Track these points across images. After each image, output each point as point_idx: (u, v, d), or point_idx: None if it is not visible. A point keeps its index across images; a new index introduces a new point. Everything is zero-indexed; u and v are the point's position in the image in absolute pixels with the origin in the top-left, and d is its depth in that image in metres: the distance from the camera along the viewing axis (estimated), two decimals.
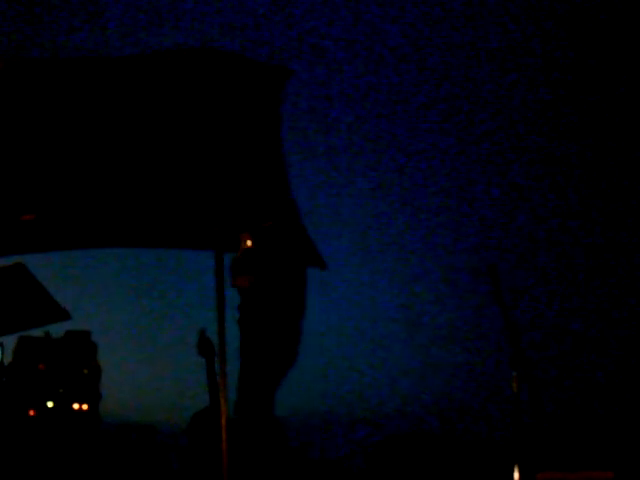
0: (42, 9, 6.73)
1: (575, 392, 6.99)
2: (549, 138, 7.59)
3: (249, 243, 3.76)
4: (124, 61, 3.77)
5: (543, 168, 7.57)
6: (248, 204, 4.24)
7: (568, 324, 7.40)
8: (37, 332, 5.40)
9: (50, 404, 5.09)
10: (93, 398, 5.36)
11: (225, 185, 3.92)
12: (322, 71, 7.39)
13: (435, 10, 7.53)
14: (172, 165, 4.12)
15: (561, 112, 7.59)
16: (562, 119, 7.60)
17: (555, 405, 6.70)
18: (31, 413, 5.05)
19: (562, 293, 7.50)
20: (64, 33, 6.75)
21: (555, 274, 7.54)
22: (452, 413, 6.83)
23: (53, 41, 6.88)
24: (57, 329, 5.16)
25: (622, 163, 7.50)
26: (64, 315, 5.00)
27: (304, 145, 7.35)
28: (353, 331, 6.37)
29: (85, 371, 5.21)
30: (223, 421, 3.58)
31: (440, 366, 7.39)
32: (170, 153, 4.07)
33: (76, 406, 5.20)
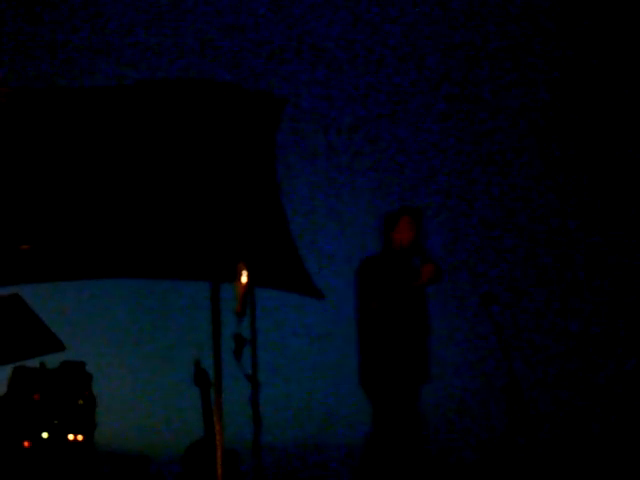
0: (42, 9, 6.73)
1: (575, 393, 7.02)
2: (549, 138, 7.61)
3: (244, 277, 3.80)
4: (120, 90, 3.79)
5: (543, 168, 7.60)
6: (245, 235, 4.27)
7: (568, 324, 7.43)
8: (32, 363, 5.44)
9: (45, 435, 5.11)
10: (88, 428, 5.37)
11: (221, 216, 3.94)
12: (322, 71, 7.40)
13: (435, 10, 7.55)
14: (167, 196, 4.14)
15: (561, 112, 7.62)
16: (562, 119, 7.62)
17: (555, 408, 6.73)
18: (26, 444, 5.06)
19: (562, 293, 7.53)
20: (64, 33, 6.75)
21: (555, 274, 7.57)
22: (452, 413, 6.86)
23: (53, 41, 6.89)
24: (52, 360, 5.24)
25: (622, 163, 7.52)
26: (59, 346, 5.02)
27: (304, 145, 7.36)
28: (353, 331, 6.40)
29: (80, 402, 5.22)
30: (219, 453, 3.61)
31: (440, 366, 7.40)
32: (165, 183, 4.10)
33: (71, 437, 5.22)
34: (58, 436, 5.46)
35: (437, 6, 7.49)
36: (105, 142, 3.91)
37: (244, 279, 3.80)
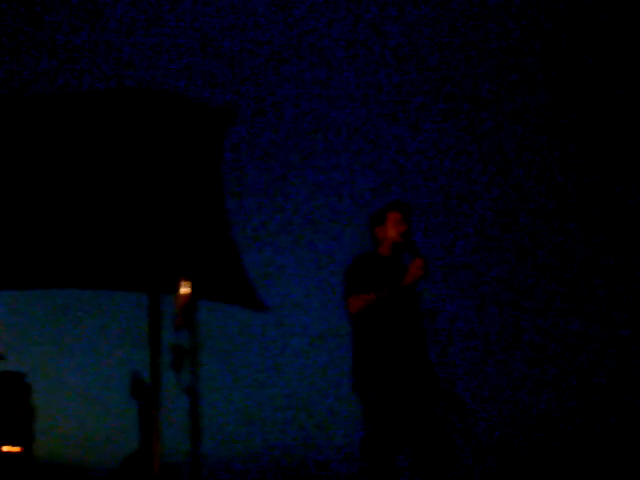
0: (42, 9, 6.73)
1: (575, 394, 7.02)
2: (549, 138, 7.61)
3: (187, 288, 3.77)
4: (60, 100, 3.76)
5: (543, 168, 7.60)
6: (187, 247, 4.23)
7: (568, 324, 7.43)
8: None
9: None
10: (26, 439, 5.31)
11: (161, 227, 3.91)
12: (322, 71, 7.40)
13: (435, 10, 7.56)
14: (107, 206, 4.10)
15: (561, 112, 7.62)
16: (562, 119, 7.62)
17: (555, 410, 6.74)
18: None
19: (562, 293, 7.52)
20: (64, 33, 6.75)
21: (555, 274, 7.57)
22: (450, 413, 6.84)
23: (53, 41, 6.89)
24: None
25: (622, 163, 7.52)
26: None
27: (304, 145, 7.36)
28: (304, 341, 6.45)
29: (18, 413, 5.16)
30: (155, 466, 3.59)
31: (440, 366, 7.39)
32: (103, 193, 4.06)
33: (7, 448, 5.16)
34: None
35: (437, 6, 7.49)
36: (45, 151, 3.87)
37: (184, 291, 3.77)
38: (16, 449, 5.20)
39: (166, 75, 7.38)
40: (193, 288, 3.71)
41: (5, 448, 5.27)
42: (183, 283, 3.73)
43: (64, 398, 6.96)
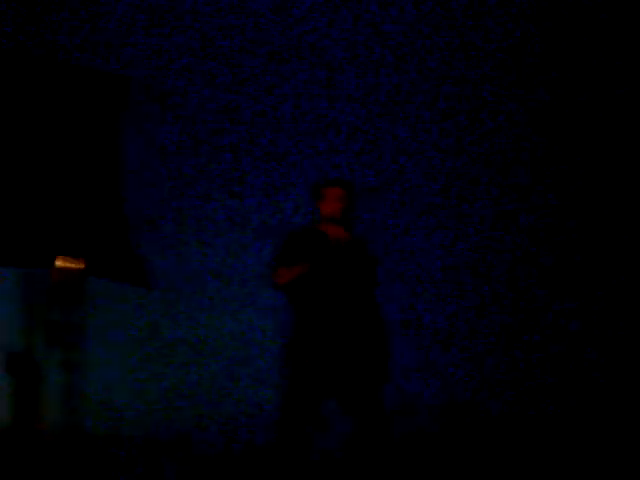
0: (42, 9, 6.73)
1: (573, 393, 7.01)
2: (549, 138, 7.61)
3: (78, 264, 3.73)
4: None
5: (543, 168, 7.60)
6: (73, 221, 4.14)
7: (568, 324, 7.42)
8: None
9: None
10: None
11: (43, 200, 3.84)
12: (322, 71, 7.38)
13: (435, 10, 7.55)
14: None
15: (561, 112, 7.61)
16: (562, 119, 7.61)
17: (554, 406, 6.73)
18: None
19: (562, 293, 7.52)
20: (64, 33, 6.74)
21: (555, 274, 7.56)
22: (451, 414, 6.85)
23: (53, 41, 6.88)
24: None
25: (622, 163, 7.51)
26: None
27: (304, 145, 7.36)
28: (187, 322, 6.45)
29: None
30: (35, 440, 3.57)
31: (440, 366, 7.39)
32: None
33: None
34: None
35: (437, 6, 7.48)
36: None
37: (63, 265, 3.72)
38: None
39: (165, 75, 7.37)
40: (76, 264, 3.66)
41: None
42: (60, 258, 3.67)
43: None
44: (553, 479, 5.42)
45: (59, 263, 3.65)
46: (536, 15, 7.39)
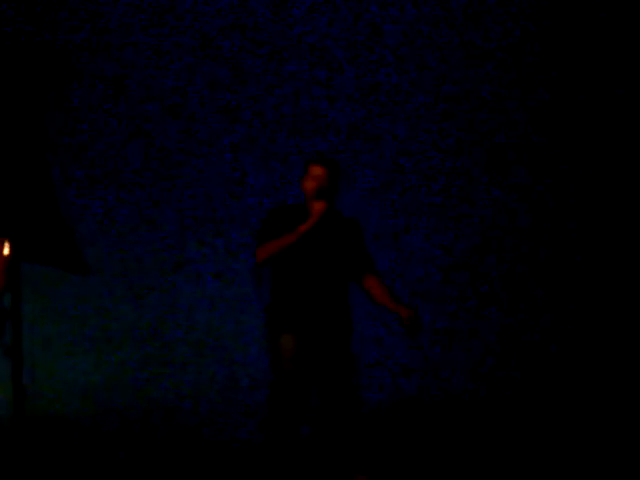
0: (42, 9, 6.73)
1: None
2: (549, 138, 7.60)
3: (6, 250, 3.70)
4: None
5: (543, 168, 7.60)
6: (4, 204, 4.09)
7: (568, 324, 7.42)
8: None
9: None
10: None
11: None
12: (322, 71, 7.38)
13: (435, 10, 7.55)
14: None
15: (561, 112, 7.61)
16: (562, 119, 7.61)
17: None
18: None
19: (562, 293, 7.52)
20: (64, 33, 6.75)
21: (555, 274, 7.56)
22: (451, 414, 6.85)
23: (53, 41, 6.88)
24: None
25: (622, 163, 7.51)
26: None
27: (304, 145, 7.36)
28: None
29: None
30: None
31: (440, 366, 7.39)
32: None
33: None
34: None
35: (437, 6, 7.48)
36: None
37: (5, 252, 3.68)
38: None
39: (165, 75, 7.37)
40: (14, 248, 3.62)
41: None
42: (3, 243, 3.64)
43: None
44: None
45: (5, 249, 3.63)
46: (536, 15, 7.39)
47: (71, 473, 5.11)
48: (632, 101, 7.32)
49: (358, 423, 4.71)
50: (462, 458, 5.74)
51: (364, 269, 4.97)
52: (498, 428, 6.40)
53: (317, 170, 4.90)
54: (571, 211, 7.45)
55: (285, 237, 4.80)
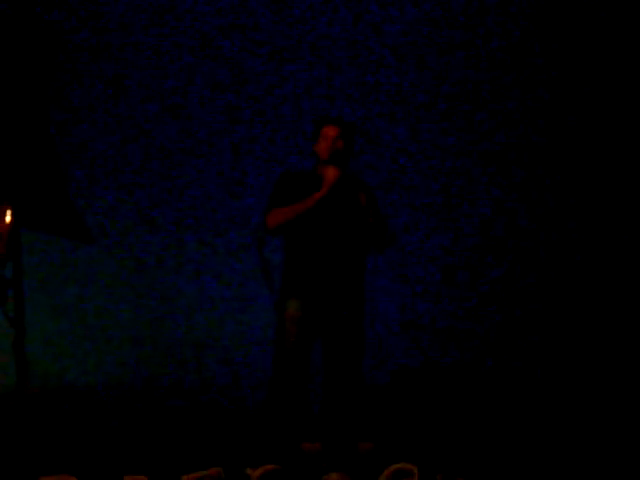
0: (42, 9, 6.73)
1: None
2: (549, 138, 7.61)
3: (8, 217, 3.67)
4: None
5: (543, 168, 7.60)
6: (6, 172, 4.07)
7: (568, 324, 7.42)
8: None
9: None
10: None
11: None
12: (322, 71, 7.39)
13: (435, 10, 7.55)
14: None
15: (561, 112, 7.61)
16: (562, 119, 7.61)
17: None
18: None
19: (562, 293, 7.52)
20: (64, 33, 6.75)
21: (555, 274, 7.56)
22: (451, 414, 6.85)
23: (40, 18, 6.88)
24: None
25: (622, 163, 7.51)
26: None
27: (304, 145, 7.36)
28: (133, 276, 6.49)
29: None
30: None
31: (440, 365, 7.39)
32: None
33: None
34: None
35: (437, 6, 7.49)
36: None
37: (7, 219, 3.66)
38: None
39: (165, 75, 7.37)
40: (15, 216, 3.61)
41: None
42: (6, 211, 3.62)
43: None
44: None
45: (7, 217, 3.62)
46: (536, 15, 7.39)
47: (67, 449, 5.11)
48: (632, 101, 7.32)
49: (359, 394, 4.66)
50: (462, 458, 5.74)
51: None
52: (498, 428, 6.40)
53: (331, 131, 4.73)
54: (571, 211, 7.45)
55: (299, 204, 4.68)
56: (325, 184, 4.65)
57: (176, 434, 6.09)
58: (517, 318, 7.42)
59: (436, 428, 5.77)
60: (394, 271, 7.35)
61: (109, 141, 7.22)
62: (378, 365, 6.79)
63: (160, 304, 7.13)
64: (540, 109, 7.51)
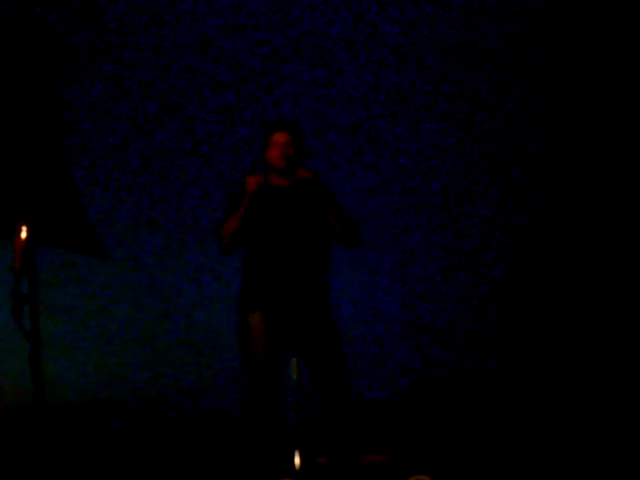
0: (42, 9, 6.73)
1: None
2: (549, 138, 7.60)
3: (23, 234, 3.68)
4: None
5: (543, 168, 7.59)
6: (22, 189, 4.07)
7: (568, 324, 7.42)
8: None
9: None
10: None
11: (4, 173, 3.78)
12: (322, 71, 7.38)
13: (435, 10, 7.55)
14: None
15: (561, 112, 7.60)
16: (562, 119, 7.61)
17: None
18: None
19: (562, 293, 7.52)
20: (64, 33, 6.75)
21: (555, 274, 7.56)
22: (450, 414, 6.85)
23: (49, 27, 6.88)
24: None
25: (623, 163, 7.51)
26: None
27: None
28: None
29: None
30: None
31: (440, 366, 7.40)
32: None
33: None
34: None
35: (437, 6, 7.48)
36: None
37: (23, 235, 3.67)
38: None
39: (165, 75, 7.37)
40: (31, 232, 3.62)
41: None
42: (22, 227, 3.63)
43: None
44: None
45: (23, 232, 3.62)
46: (536, 15, 7.39)
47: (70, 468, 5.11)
48: (632, 101, 7.32)
49: (347, 400, 4.61)
50: (461, 457, 5.74)
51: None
52: (498, 428, 6.40)
53: (281, 137, 4.65)
54: (571, 211, 7.45)
55: (230, 218, 4.64)
56: (246, 194, 4.59)
57: (180, 444, 6.09)
58: (517, 318, 7.42)
59: (452, 438, 5.76)
60: (394, 271, 7.35)
61: (109, 141, 7.22)
62: (380, 366, 6.78)
63: (160, 304, 7.13)
64: (540, 109, 7.51)
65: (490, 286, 7.47)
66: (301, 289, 4.64)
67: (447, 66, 7.48)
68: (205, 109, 7.40)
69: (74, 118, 6.98)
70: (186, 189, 7.38)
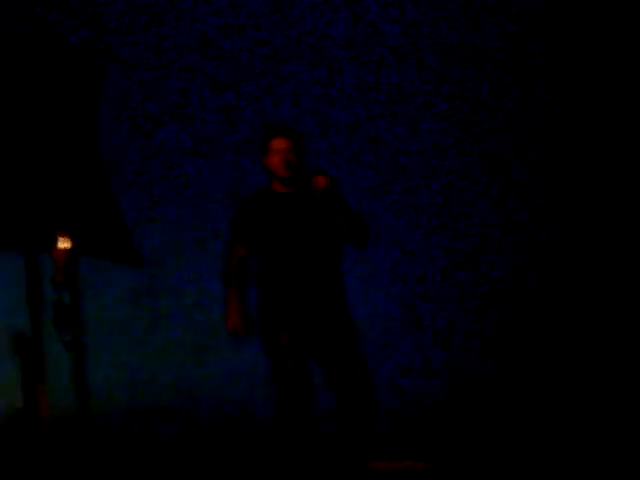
0: (42, 9, 6.74)
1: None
2: (549, 138, 7.60)
3: (65, 245, 3.68)
4: None
5: (543, 168, 7.60)
6: (62, 201, 4.08)
7: (568, 324, 7.42)
8: None
9: None
10: None
11: (33, 182, 3.79)
12: (322, 71, 7.39)
13: (435, 10, 7.55)
14: None
15: (561, 112, 7.61)
16: (562, 119, 7.61)
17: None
18: None
19: (562, 293, 7.52)
20: (64, 33, 6.76)
21: (555, 274, 7.56)
22: (451, 414, 6.85)
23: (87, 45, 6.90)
24: None
25: (623, 163, 7.51)
26: None
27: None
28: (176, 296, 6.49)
29: None
30: (43, 421, 3.56)
31: (440, 366, 7.40)
32: None
33: None
34: None
35: (437, 6, 7.48)
36: None
37: (63, 246, 3.67)
38: None
39: (165, 75, 7.37)
40: (72, 243, 3.63)
41: None
42: (61, 238, 3.63)
43: None
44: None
45: (62, 244, 3.64)
46: (536, 15, 7.39)
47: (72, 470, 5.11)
48: (632, 101, 7.32)
49: (373, 401, 4.61)
50: (461, 457, 5.74)
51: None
52: (498, 428, 6.40)
53: (281, 143, 4.59)
54: (571, 211, 7.45)
55: (226, 281, 4.62)
56: (319, 187, 4.53)
57: (180, 444, 6.09)
58: (517, 318, 7.42)
59: (451, 438, 5.76)
60: (394, 271, 7.35)
61: (108, 141, 7.21)
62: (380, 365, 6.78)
63: (160, 304, 7.13)
64: (540, 109, 7.51)
65: (490, 286, 7.47)
66: (321, 298, 4.63)
67: (447, 66, 7.48)
68: (205, 109, 7.40)
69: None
70: (186, 189, 7.38)
